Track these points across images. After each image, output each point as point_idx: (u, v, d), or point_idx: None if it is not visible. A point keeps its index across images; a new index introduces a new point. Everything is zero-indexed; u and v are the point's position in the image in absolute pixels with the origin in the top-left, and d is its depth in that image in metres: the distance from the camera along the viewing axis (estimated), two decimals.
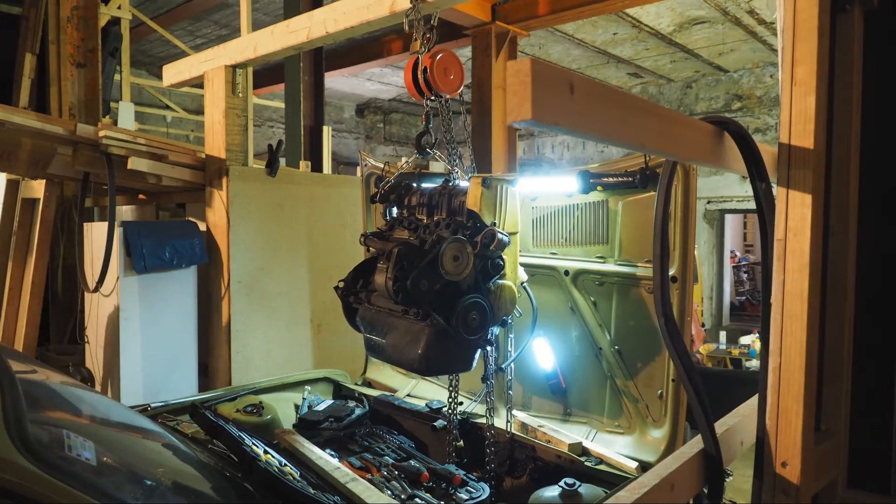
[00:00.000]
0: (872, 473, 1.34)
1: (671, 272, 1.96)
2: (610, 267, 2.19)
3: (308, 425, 2.36)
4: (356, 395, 2.75)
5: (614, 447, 2.15)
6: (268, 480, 1.64)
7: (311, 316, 3.93)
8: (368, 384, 2.99)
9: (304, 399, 2.63)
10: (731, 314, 10.62)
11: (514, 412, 2.33)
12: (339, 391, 2.91)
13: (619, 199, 2.14)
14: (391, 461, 2.14)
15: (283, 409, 2.58)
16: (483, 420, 2.25)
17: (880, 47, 1.33)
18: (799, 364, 1.13)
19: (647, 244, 2.04)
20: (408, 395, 2.78)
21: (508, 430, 2.25)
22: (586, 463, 2.05)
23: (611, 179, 2.06)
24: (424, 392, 2.79)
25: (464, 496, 1.97)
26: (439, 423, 2.38)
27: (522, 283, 2.12)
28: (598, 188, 2.10)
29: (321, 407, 2.51)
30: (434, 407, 2.49)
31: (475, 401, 2.47)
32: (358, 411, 2.49)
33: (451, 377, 2.26)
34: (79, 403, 1.63)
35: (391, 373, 2.96)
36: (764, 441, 1.17)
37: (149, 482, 1.35)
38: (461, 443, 2.32)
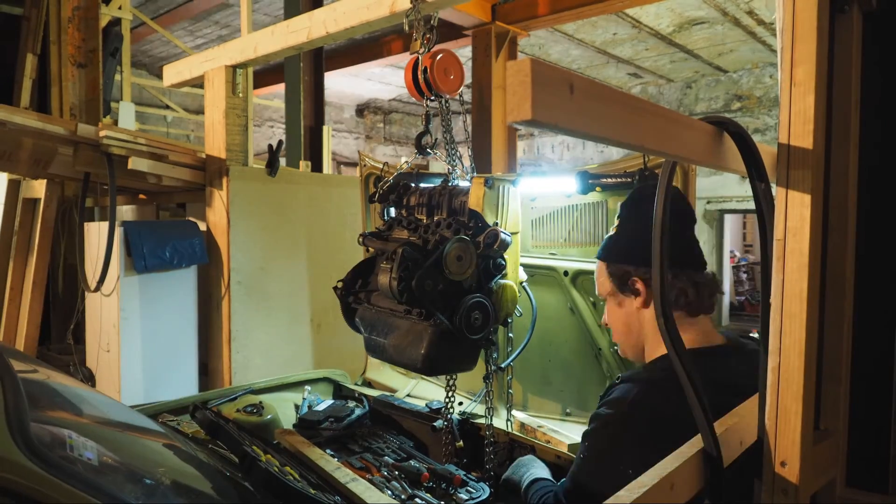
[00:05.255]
0: (871, 472, 1.34)
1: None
2: None
3: (308, 425, 2.37)
4: (356, 395, 2.75)
5: None
6: (268, 480, 1.64)
7: (311, 315, 3.93)
8: (368, 384, 2.99)
9: (304, 399, 2.63)
10: (730, 314, 10.62)
11: (514, 412, 2.33)
12: (339, 391, 2.91)
13: (618, 200, 2.13)
14: (391, 461, 2.14)
15: (283, 409, 2.58)
16: (482, 420, 2.25)
17: (879, 48, 1.33)
18: (798, 364, 1.13)
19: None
20: (408, 395, 2.78)
21: (508, 429, 2.25)
22: None
23: (610, 180, 2.06)
24: (424, 392, 2.79)
25: (464, 496, 1.97)
26: (439, 423, 2.38)
27: (522, 283, 2.13)
28: (597, 189, 2.10)
29: (321, 407, 2.51)
30: (434, 407, 2.49)
31: (475, 401, 2.47)
32: (358, 411, 2.49)
33: (448, 377, 2.27)
34: (80, 403, 1.63)
35: (391, 373, 2.96)
36: (763, 441, 1.17)
37: (150, 482, 1.35)
38: (461, 443, 2.32)
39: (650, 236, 1.13)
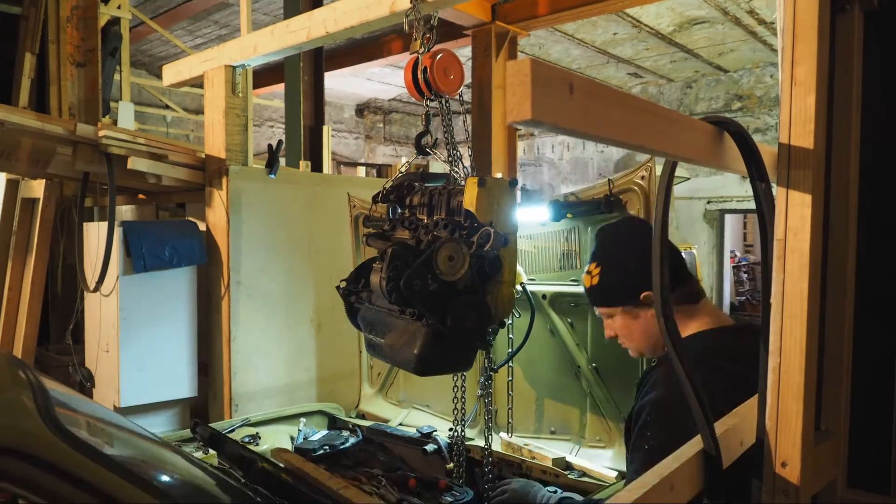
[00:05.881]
0: (872, 473, 1.34)
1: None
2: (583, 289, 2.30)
3: (303, 454, 2.44)
4: (350, 426, 2.81)
5: (597, 460, 2.27)
6: (267, 478, 1.67)
7: (311, 316, 3.93)
8: (362, 416, 3.06)
9: (299, 431, 2.71)
10: (731, 314, 10.62)
11: (501, 434, 2.40)
12: (334, 424, 2.96)
13: (588, 225, 2.26)
14: (381, 473, 2.20)
15: (280, 440, 2.66)
16: (472, 442, 2.37)
17: (880, 47, 1.33)
18: (799, 364, 1.13)
19: None
20: (400, 424, 2.85)
21: (495, 448, 2.30)
22: (570, 476, 2.18)
23: (579, 197, 2.21)
24: (416, 420, 2.87)
25: (449, 499, 2.03)
26: (430, 447, 2.45)
27: (522, 283, 2.13)
28: (568, 215, 2.25)
29: (316, 437, 2.60)
30: (424, 431, 2.56)
31: (467, 421, 2.51)
32: (352, 440, 2.58)
33: (455, 404, 2.29)
34: (94, 411, 1.74)
35: (384, 404, 3.05)
36: (764, 441, 1.17)
37: (155, 464, 1.53)
38: (451, 465, 2.37)
39: (646, 260, 1.26)
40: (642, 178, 2.10)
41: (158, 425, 3.50)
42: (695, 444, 1.18)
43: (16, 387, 1.39)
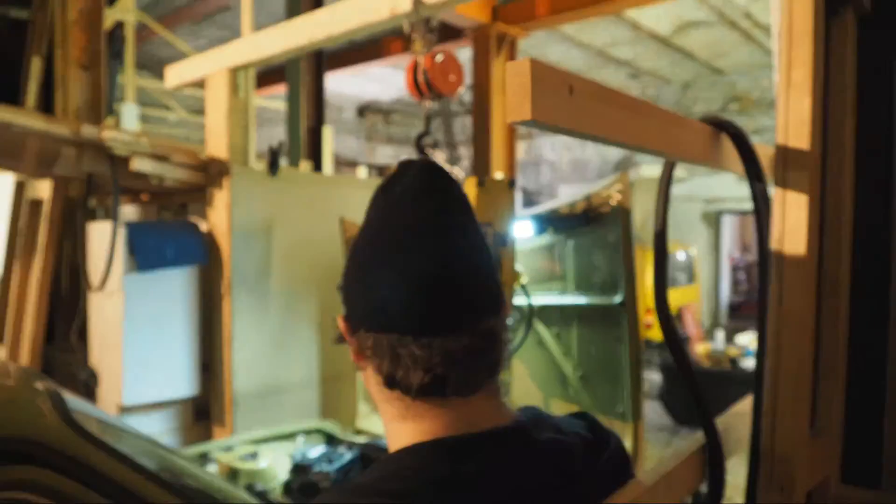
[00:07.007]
0: (864, 469, 1.36)
1: (618, 299, 2.14)
2: (567, 299, 2.39)
3: (302, 469, 2.50)
4: (347, 443, 2.87)
5: None
6: None
7: (311, 316, 3.94)
8: (359, 433, 3.09)
9: (297, 448, 2.76)
10: (728, 314, 10.64)
11: None
12: (332, 441, 3.01)
13: (570, 238, 2.31)
14: None
15: (279, 457, 2.71)
16: None
17: (873, 50, 1.34)
18: (794, 363, 1.15)
19: (596, 275, 2.28)
20: None
21: None
22: None
23: (560, 210, 2.24)
24: None
25: None
26: None
27: (521, 284, 2.14)
28: (550, 229, 2.32)
29: (314, 453, 2.66)
30: None
31: None
32: (349, 455, 2.64)
33: None
34: (106, 417, 1.84)
35: (380, 421, 3.05)
36: (759, 439, 1.18)
37: (156, 457, 1.65)
38: None
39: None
40: (619, 191, 2.14)
41: (161, 424, 3.51)
42: (694, 442, 1.20)
43: (36, 392, 1.55)
